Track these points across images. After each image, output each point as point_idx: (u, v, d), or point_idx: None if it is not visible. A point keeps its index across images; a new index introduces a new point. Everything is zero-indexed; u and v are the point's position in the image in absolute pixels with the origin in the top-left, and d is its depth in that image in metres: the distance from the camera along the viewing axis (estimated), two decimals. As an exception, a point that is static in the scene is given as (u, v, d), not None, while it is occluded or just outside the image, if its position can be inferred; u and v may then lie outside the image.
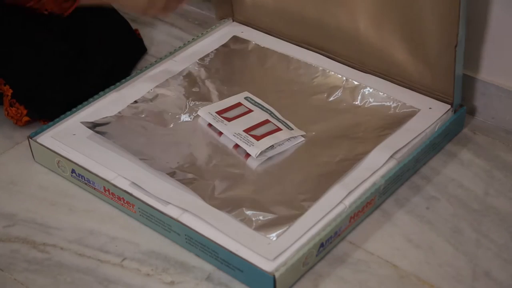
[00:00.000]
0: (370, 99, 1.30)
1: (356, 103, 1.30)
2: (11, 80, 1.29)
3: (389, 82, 1.33)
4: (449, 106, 1.27)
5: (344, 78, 1.33)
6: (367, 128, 1.25)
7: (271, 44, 1.45)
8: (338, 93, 1.32)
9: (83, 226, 1.15)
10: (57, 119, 1.28)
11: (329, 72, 1.36)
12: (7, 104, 1.31)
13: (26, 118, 1.32)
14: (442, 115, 1.26)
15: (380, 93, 1.30)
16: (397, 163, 1.17)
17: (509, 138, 1.32)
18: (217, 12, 1.53)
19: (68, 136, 1.24)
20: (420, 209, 1.18)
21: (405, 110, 1.27)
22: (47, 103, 1.32)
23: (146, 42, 1.56)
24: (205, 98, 1.33)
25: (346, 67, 1.37)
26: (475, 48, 1.32)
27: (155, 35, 1.62)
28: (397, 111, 1.27)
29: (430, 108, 1.27)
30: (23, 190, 1.22)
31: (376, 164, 1.16)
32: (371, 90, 1.31)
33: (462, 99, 1.37)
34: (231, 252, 1.03)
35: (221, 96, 1.33)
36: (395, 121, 1.25)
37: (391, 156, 1.18)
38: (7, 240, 1.13)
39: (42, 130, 1.25)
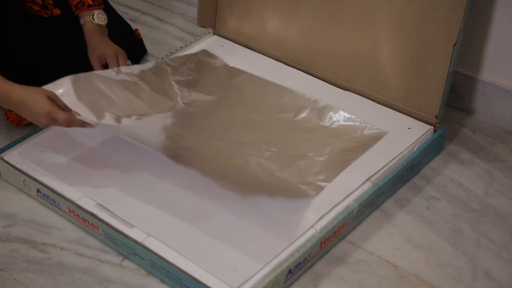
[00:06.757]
0: (338, 120, 1.26)
1: (323, 123, 1.26)
2: None
3: (369, 100, 1.30)
4: (429, 127, 1.25)
5: (313, 99, 1.29)
6: (332, 150, 1.20)
7: (250, 58, 1.42)
8: (305, 113, 1.28)
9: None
10: (26, 134, 1.24)
11: (297, 92, 1.31)
12: (6, 109, 1.31)
13: (26, 122, 1.31)
14: (422, 136, 1.23)
15: (348, 114, 1.26)
16: (372, 186, 1.14)
17: (509, 138, 1.32)
18: (199, 17, 1.50)
19: (36, 153, 1.19)
20: (420, 209, 1.18)
21: (372, 131, 1.23)
22: None
23: (146, 42, 1.56)
24: (168, 95, 1.29)
25: (326, 83, 1.35)
26: (475, 48, 1.32)
27: (155, 35, 1.62)
28: (364, 132, 1.23)
29: (409, 128, 1.24)
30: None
31: (350, 186, 1.13)
32: (339, 111, 1.26)
33: (462, 99, 1.37)
34: (195, 278, 1.00)
35: (183, 98, 1.30)
36: (361, 143, 1.21)
37: (367, 179, 1.14)
38: (7, 240, 1.13)
39: (9, 147, 1.22)
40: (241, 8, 1.45)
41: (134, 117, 1.18)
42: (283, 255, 1.03)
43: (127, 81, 1.24)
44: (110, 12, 1.47)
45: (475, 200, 1.19)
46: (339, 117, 1.26)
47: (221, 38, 1.49)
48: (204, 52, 1.42)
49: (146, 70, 1.30)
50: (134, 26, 1.54)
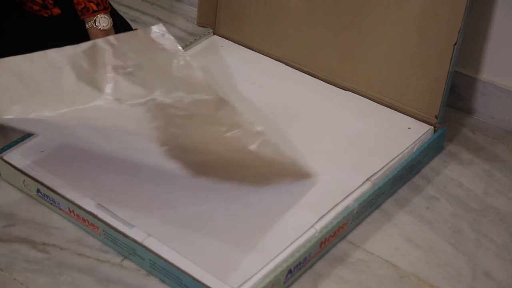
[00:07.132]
0: (265, 149, 1.13)
1: (252, 147, 1.13)
2: None
3: (369, 100, 1.30)
4: (429, 127, 1.25)
5: (250, 121, 1.16)
6: (251, 174, 1.14)
7: (250, 58, 1.42)
8: (238, 132, 1.14)
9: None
10: (26, 134, 1.23)
11: (237, 110, 1.17)
12: None
13: None
14: (422, 136, 1.23)
15: (279, 147, 1.14)
16: (372, 186, 1.14)
17: (509, 138, 1.32)
18: (199, 17, 1.50)
19: (36, 153, 1.19)
20: (420, 209, 1.18)
21: (296, 170, 1.15)
22: None
23: (146, 42, 1.56)
24: (96, 85, 1.14)
25: (326, 83, 1.35)
26: (475, 48, 1.32)
27: (155, 35, 1.61)
28: (286, 170, 1.15)
29: (409, 128, 1.24)
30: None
31: (350, 186, 1.13)
32: (270, 140, 1.14)
33: (462, 99, 1.37)
34: (195, 278, 1.00)
35: (115, 91, 1.14)
36: (278, 179, 1.14)
37: (367, 179, 1.14)
38: (7, 240, 1.13)
39: (9, 147, 1.22)
40: (241, 7, 1.45)
41: (46, 112, 1.04)
42: (283, 255, 1.03)
43: (52, 66, 1.13)
44: (111, 12, 1.47)
45: (475, 200, 1.19)
46: (268, 148, 1.13)
47: (221, 38, 1.49)
48: (158, 28, 1.24)
49: (78, 53, 1.17)
50: (134, 26, 1.53)
